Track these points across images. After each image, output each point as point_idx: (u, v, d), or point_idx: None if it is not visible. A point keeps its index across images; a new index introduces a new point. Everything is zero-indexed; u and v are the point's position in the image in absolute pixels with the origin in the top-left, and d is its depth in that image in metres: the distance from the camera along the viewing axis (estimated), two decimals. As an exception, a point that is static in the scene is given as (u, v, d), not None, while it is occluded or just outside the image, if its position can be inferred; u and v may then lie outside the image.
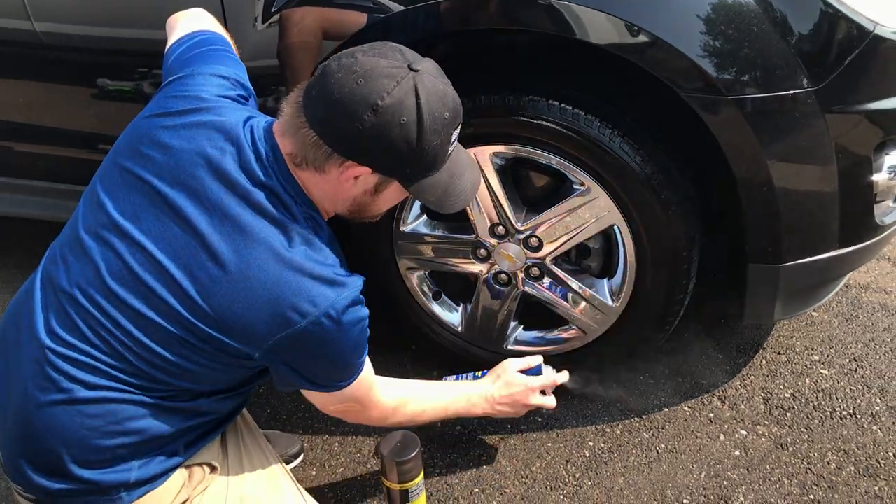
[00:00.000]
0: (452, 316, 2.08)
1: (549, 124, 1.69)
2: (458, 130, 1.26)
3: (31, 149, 2.22)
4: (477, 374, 1.75)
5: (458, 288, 2.09)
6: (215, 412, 1.36)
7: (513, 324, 2.03)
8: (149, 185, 1.24)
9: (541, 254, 1.88)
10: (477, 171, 1.38)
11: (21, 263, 2.74)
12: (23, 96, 2.12)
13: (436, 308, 2.07)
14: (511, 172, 1.86)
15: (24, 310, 1.29)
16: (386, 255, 2.00)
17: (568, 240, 1.83)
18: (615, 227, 1.78)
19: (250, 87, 1.42)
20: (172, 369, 1.24)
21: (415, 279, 2.03)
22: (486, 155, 1.79)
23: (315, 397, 1.37)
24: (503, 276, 1.95)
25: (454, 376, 1.78)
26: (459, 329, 2.07)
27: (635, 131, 1.70)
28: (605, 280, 1.91)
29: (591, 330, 1.94)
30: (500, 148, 1.77)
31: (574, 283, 1.90)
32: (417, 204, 1.96)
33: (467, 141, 1.77)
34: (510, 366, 1.67)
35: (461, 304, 2.07)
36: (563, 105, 1.68)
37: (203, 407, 1.32)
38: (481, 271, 1.96)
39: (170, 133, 1.27)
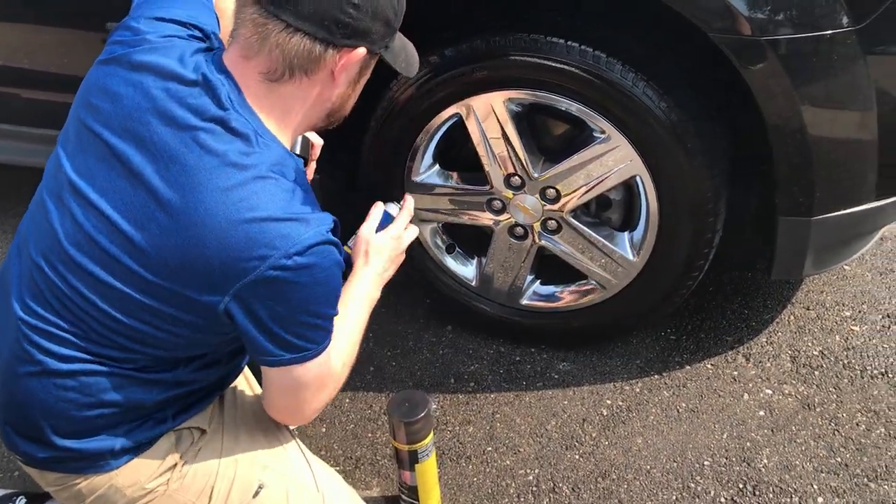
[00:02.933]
0: (466, 270, 2.06)
1: (567, 67, 1.64)
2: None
3: (37, 95, 2.19)
4: (345, 249, 1.50)
5: (472, 241, 2.06)
6: (200, 381, 1.32)
7: (529, 278, 2.01)
8: (99, 139, 1.20)
9: (558, 206, 1.85)
10: (411, 44, 1.36)
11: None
12: (27, 40, 2.09)
13: (449, 261, 2.05)
14: (528, 120, 1.82)
15: (7, 275, 1.27)
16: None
17: (587, 191, 1.80)
18: (637, 178, 1.75)
19: (212, 28, 1.36)
20: (140, 337, 1.20)
21: (427, 232, 2.01)
22: (500, 101, 1.74)
23: (275, 381, 1.26)
24: (519, 228, 1.93)
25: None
26: (473, 283, 2.05)
27: (660, 76, 1.65)
28: (626, 233, 1.87)
29: (610, 285, 1.91)
30: (515, 93, 1.73)
31: (593, 237, 1.87)
32: (430, 153, 1.91)
33: (480, 86, 1.73)
34: (366, 234, 1.48)
35: (475, 258, 2.06)
36: (582, 47, 1.63)
37: (184, 377, 1.28)
38: (496, 224, 1.93)
39: (117, 80, 1.22)
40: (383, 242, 1.48)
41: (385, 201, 1.55)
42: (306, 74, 1.17)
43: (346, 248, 1.49)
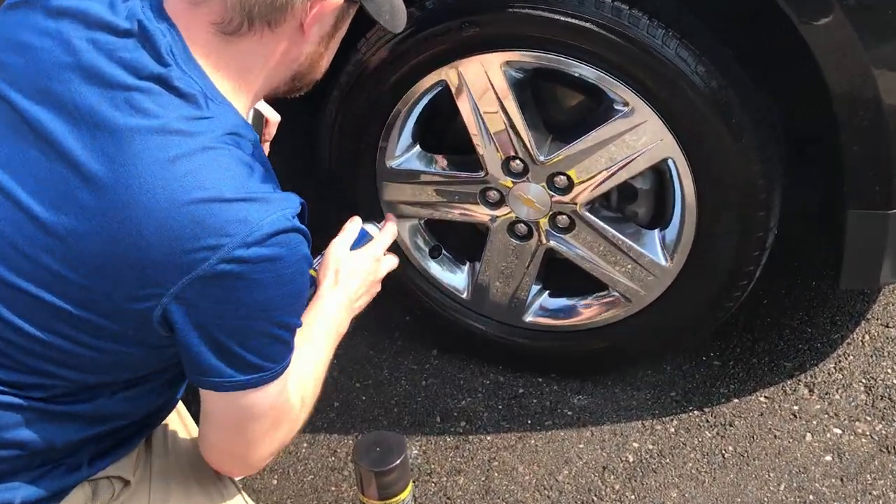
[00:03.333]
0: (455, 278, 2.06)
1: (580, 22, 1.64)
2: None
3: None
4: (312, 271, 1.55)
5: (462, 242, 2.06)
6: (125, 415, 1.32)
7: (534, 289, 2.01)
8: (5, 101, 1.19)
9: (571, 197, 1.84)
10: None
11: None
12: None
13: (434, 268, 2.05)
14: (531, 89, 1.82)
15: None
16: (368, 199, 1.97)
17: (606, 178, 1.79)
18: (669, 161, 1.75)
19: None
20: (53, 355, 1.19)
21: (406, 231, 2.01)
22: (497, 65, 1.73)
23: (220, 411, 1.26)
24: (521, 226, 1.92)
25: None
26: (464, 296, 2.06)
27: (697, 33, 1.65)
28: (657, 231, 1.87)
29: (637, 297, 1.91)
30: (515, 55, 1.72)
31: (615, 236, 1.87)
32: (408, 130, 1.91)
33: (472, 46, 1.73)
34: (338, 252, 1.53)
35: (467, 264, 2.06)
36: None
37: (105, 410, 1.27)
38: (493, 220, 1.93)
39: (30, 29, 1.22)
40: (359, 263, 1.52)
41: (364, 219, 1.60)
42: (269, 26, 1.18)
43: (311, 270, 1.49)
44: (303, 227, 1.19)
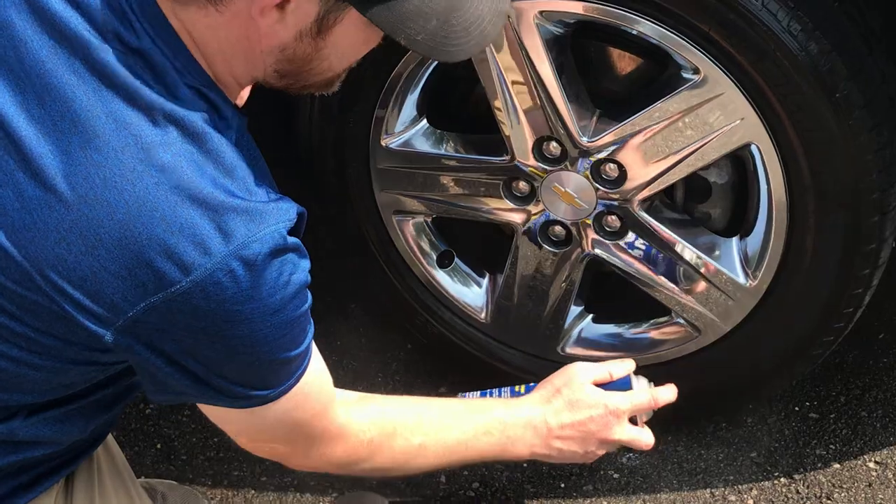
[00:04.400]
0: (471, 294, 2.08)
1: None
2: None
3: None
4: (518, 388, 1.74)
5: (481, 247, 2.07)
6: (46, 443, 1.33)
7: (574, 310, 2.03)
8: None
9: (622, 191, 1.85)
10: None
11: None
12: None
13: (443, 280, 2.07)
14: (573, 50, 1.82)
15: None
16: (359, 189, 1.99)
17: (670, 168, 1.80)
18: (753, 148, 1.75)
19: None
20: None
21: (409, 231, 2.03)
22: (528, 17, 1.75)
23: (224, 418, 1.37)
24: (558, 228, 1.93)
25: (479, 393, 1.77)
26: (482, 317, 2.07)
27: None
28: (736, 240, 1.88)
29: (708, 326, 1.92)
30: (553, 4, 1.73)
31: (681, 245, 1.87)
32: (412, 99, 1.92)
33: None
34: (577, 374, 1.67)
35: (486, 276, 2.07)
36: None
37: (21, 433, 1.29)
38: (521, 219, 1.94)
39: None
40: (592, 399, 1.64)
41: (638, 372, 1.73)
42: (211, 2, 1.19)
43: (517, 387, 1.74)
44: (296, 242, 1.22)
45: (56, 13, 1.18)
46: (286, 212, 1.21)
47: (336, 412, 1.44)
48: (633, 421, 1.70)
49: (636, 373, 1.72)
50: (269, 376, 1.29)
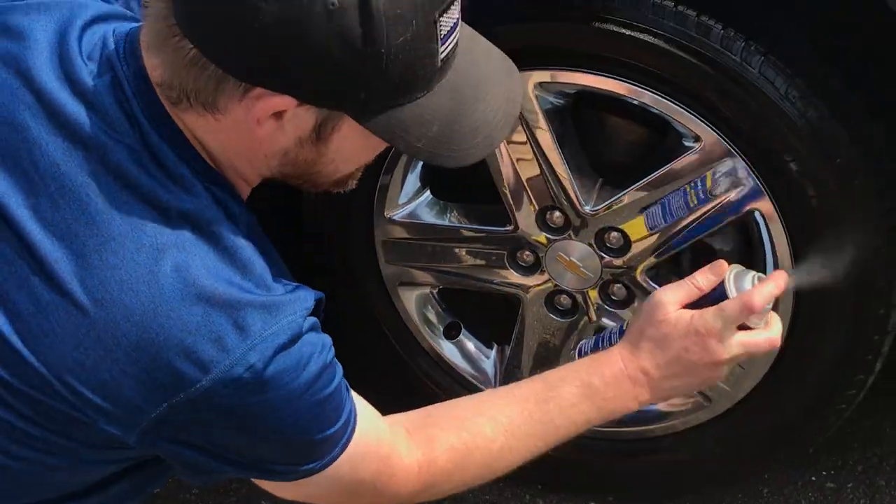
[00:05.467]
0: (479, 366, 2.09)
1: (635, 34, 1.67)
2: (453, 9, 1.20)
3: None
4: (624, 327, 1.58)
5: (488, 318, 2.08)
6: None
7: None
8: None
9: (627, 259, 1.86)
10: (511, 83, 1.34)
11: None
12: None
13: (449, 351, 2.08)
14: (574, 119, 1.84)
15: None
16: (362, 260, 2.00)
17: (672, 235, 1.81)
18: (756, 214, 1.76)
19: None
20: None
21: (413, 302, 2.04)
22: (529, 87, 1.76)
23: (274, 486, 1.36)
24: (564, 298, 1.94)
25: (590, 341, 1.65)
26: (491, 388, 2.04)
27: (787, 47, 1.67)
28: None
29: (719, 395, 1.91)
30: (553, 74, 1.76)
31: None
32: (415, 172, 1.94)
33: None
34: (658, 306, 1.48)
35: (494, 347, 2.08)
36: (657, 0, 1.66)
37: None
38: (526, 290, 1.95)
39: None
40: (686, 324, 1.45)
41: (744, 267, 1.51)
42: (209, 109, 1.20)
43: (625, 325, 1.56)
44: (312, 323, 1.23)
45: (70, 115, 1.20)
46: (303, 300, 1.22)
47: (399, 456, 1.40)
48: (744, 328, 1.48)
49: (736, 270, 1.50)
50: (309, 454, 1.29)
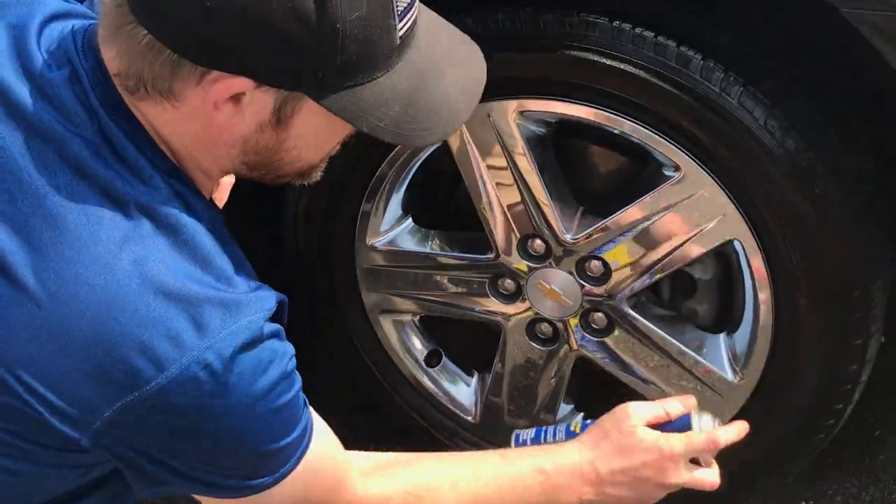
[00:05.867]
0: (460, 394, 2.09)
1: (614, 63, 1.68)
2: None
3: None
4: (573, 427, 1.68)
5: (469, 346, 2.08)
6: None
7: (564, 409, 2.03)
8: None
9: (608, 288, 1.85)
10: (474, 63, 1.35)
11: None
12: None
13: (430, 380, 2.08)
14: (555, 148, 1.85)
15: None
16: (343, 288, 2.00)
17: (654, 264, 1.81)
18: (735, 244, 1.76)
19: None
20: None
21: (393, 330, 2.04)
22: (510, 115, 1.78)
23: None
24: (545, 326, 1.95)
25: (533, 431, 1.73)
26: (471, 418, 2.07)
27: (766, 78, 1.67)
28: (723, 337, 1.89)
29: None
30: (533, 104, 1.76)
31: (668, 341, 1.88)
32: (398, 197, 1.94)
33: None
34: (629, 416, 1.58)
35: (475, 375, 2.08)
36: (637, 31, 1.66)
37: None
38: (507, 318, 1.95)
39: None
40: (646, 442, 1.54)
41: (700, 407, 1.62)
42: (165, 96, 1.20)
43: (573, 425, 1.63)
44: (275, 329, 1.21)
45: (27, 108, 1.20)
46: (265, 300, 1.20)
47: (354, 484, 1.42)
48: (696, 462, 1.61)
49: (700, 409, 1.62)
50: (261, 466, 1.27)
